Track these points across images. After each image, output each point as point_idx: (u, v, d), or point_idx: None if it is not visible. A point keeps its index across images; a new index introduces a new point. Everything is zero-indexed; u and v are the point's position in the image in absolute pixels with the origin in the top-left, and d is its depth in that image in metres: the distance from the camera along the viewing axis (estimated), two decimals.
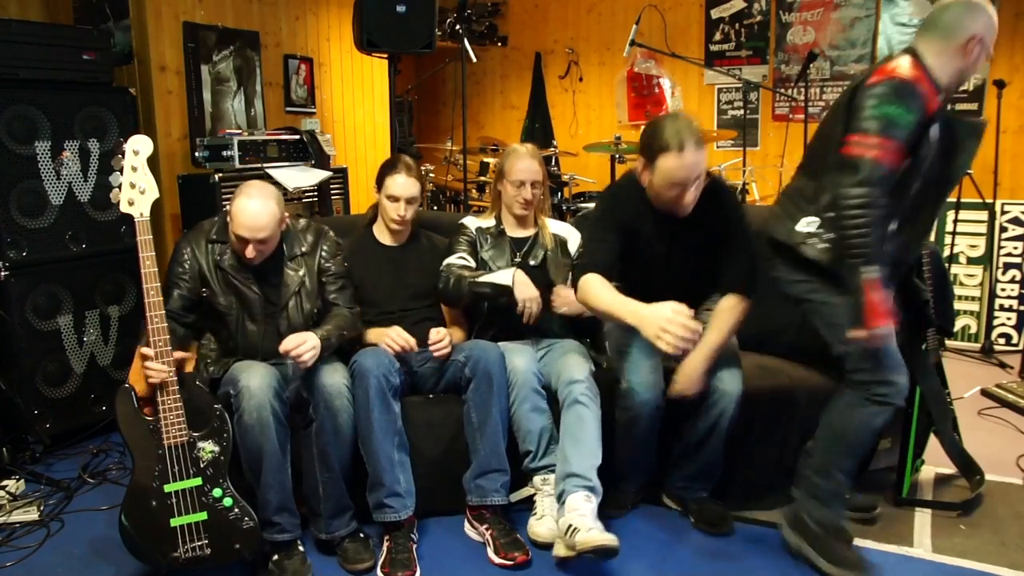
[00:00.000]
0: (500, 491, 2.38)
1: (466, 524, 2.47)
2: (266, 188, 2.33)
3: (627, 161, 4.88)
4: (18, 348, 2.95)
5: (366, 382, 2.29)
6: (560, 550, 2.23)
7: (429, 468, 2.44)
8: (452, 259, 2.64)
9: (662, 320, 2.03)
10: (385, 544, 2.29)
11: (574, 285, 2.40)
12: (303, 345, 2.20)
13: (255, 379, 2.15)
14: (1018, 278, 4.40)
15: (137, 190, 2.08)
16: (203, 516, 2.06)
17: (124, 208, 2.07)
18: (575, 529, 2.14)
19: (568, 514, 2.19)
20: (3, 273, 2.89)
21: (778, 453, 2.60)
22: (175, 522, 2.04)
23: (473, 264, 2.65)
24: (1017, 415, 3.36)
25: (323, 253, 2.47)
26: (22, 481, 2.79)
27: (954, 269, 4.44)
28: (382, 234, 2.72)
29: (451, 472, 2.47)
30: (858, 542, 2.37)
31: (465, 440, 2.45)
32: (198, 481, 2.06)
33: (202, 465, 2.07)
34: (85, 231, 3.14)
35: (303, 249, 2.44)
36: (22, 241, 2.95)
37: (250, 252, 2.27)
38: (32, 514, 2.57)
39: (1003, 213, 4.46)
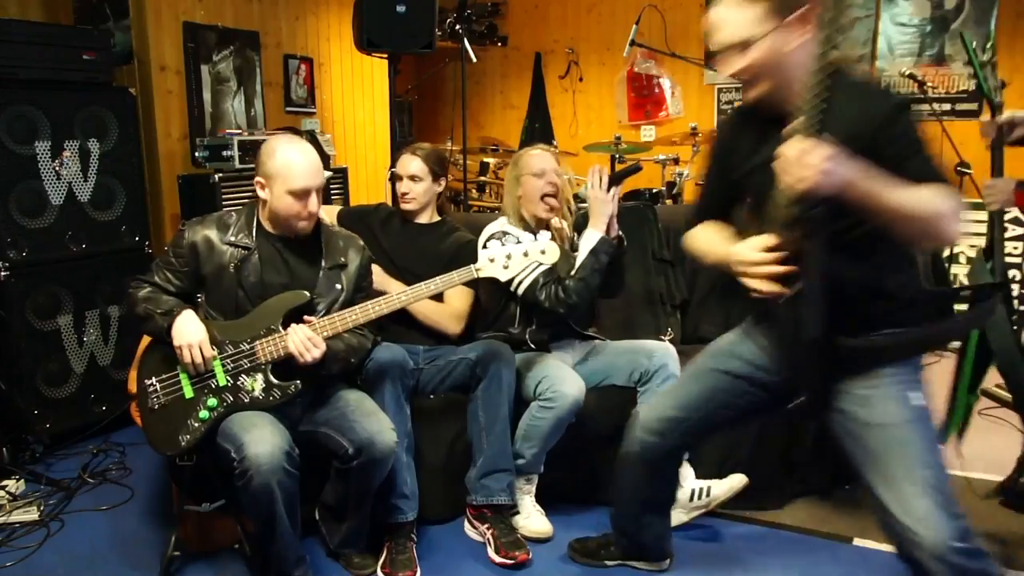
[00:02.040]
0: (506, 491, 2.38)
1: (466, 524, 2.47)
2: (293, 137, 2.22)
3: (626, 161, 4.88)
4: (18, 348, 2.95)
5: (382, 383, 2.29)
6: (682, 517, 2.41)
7: (428, 471, 2.43)
8: (536, 270, 2.40)
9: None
10: (385, 544, 2.29)
11: None
12: (312, 351, 2.03)
13: (263, 446, 1.90)
14: (1018, 278, 4.40)
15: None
16: (189, 394, 2.08)
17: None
18: (706, 488, 2.41)
19: (689, 477, 2.43)
20: (3, 273, 2.89)
21: (778, 453, 2.60)
22: (179, 367, 2.08)
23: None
24: (1015, 414, 3.36)
25: (362, 267, 2.27)
26: (22, 481, 2.79)
27: (954, 269, 4.43)
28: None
29: (450, 477, 2.47)
30: (858, 542, 2.38)
31: (460, 443, 2.46)
32: (222, 381, 2.07)
33: (237, 381, 2.06)
34: (85, 231, 3.14)
35: (341, 260, 2.24)
36: (22, 241, 2.94)
37: (313, 205, 2.11)
38: (32, 514, 2.57)
39: (1003, 213, 4.45)
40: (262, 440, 1.91)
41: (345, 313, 2.10)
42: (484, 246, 2.50)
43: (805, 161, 1.35)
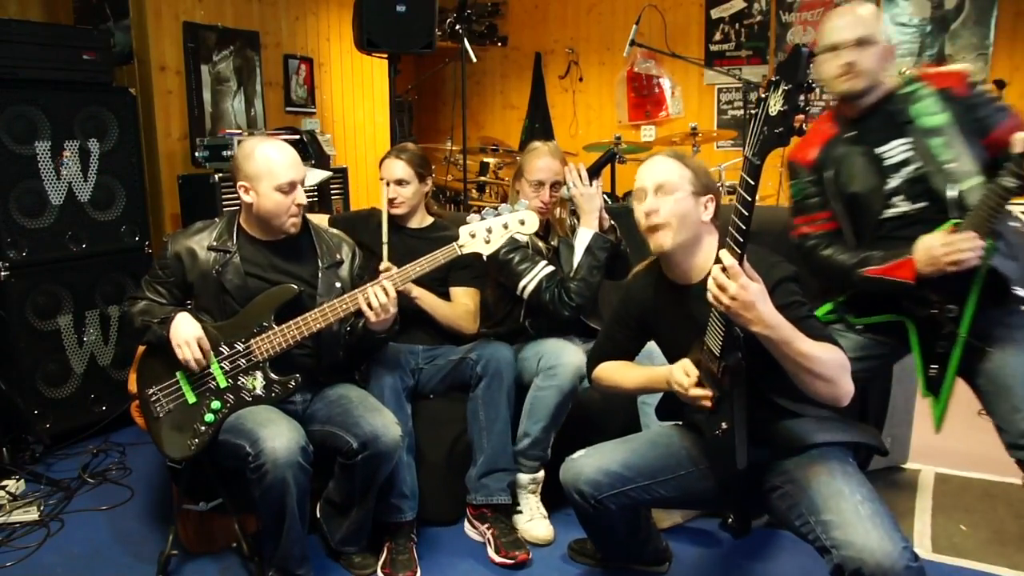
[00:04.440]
0: (506, 490, 2.38)
1: (466, 524, 2.47)
2: (264, 136, 2.22)
3: (627, 161, 4.88)
4: (18, 348, 2.95)
5: (382, 383, 2.30)
6: (676, 518, 2.46)
7: (428, 471, 2.43)
8: (539, 273, 2.43)
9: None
10: (385, 544, 2.29)
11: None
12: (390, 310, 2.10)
13: (280, 440, 1.91)
14: None
15: None
16: (192, 399, 2.09)
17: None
18: None
19: None
20: (3, 273, 2.89)
21: None
22: (179, 374, 2.10)
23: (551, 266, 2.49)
24: None
25: (357, 264, 2.33)
26: (22, 481, 2.79)
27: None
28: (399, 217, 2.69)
29: (450, 477, 2.47)
30: None
31: (460, 443, 2.45)
32: (222, 383, 2.08)
33: (237, 381, 2.09)
34: (85, 231, 3.14)
35: (338, 257, 2.29)
36: (22, 241, 2.95)
37: (301, 198, 2.14)
38: (32, 514, 2.57)
39: None
40: (279, 435, 1.93)
41: (411, 266, 2.15)
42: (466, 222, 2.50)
43: (742, 292, 1.49)
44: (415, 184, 2.62)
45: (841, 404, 1.60)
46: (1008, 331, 1.94)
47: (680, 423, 2.02)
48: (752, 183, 1.44)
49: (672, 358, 1.86)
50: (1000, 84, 4.20)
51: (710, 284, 1.54)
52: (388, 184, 2.63)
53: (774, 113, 1.36)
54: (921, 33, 4.90)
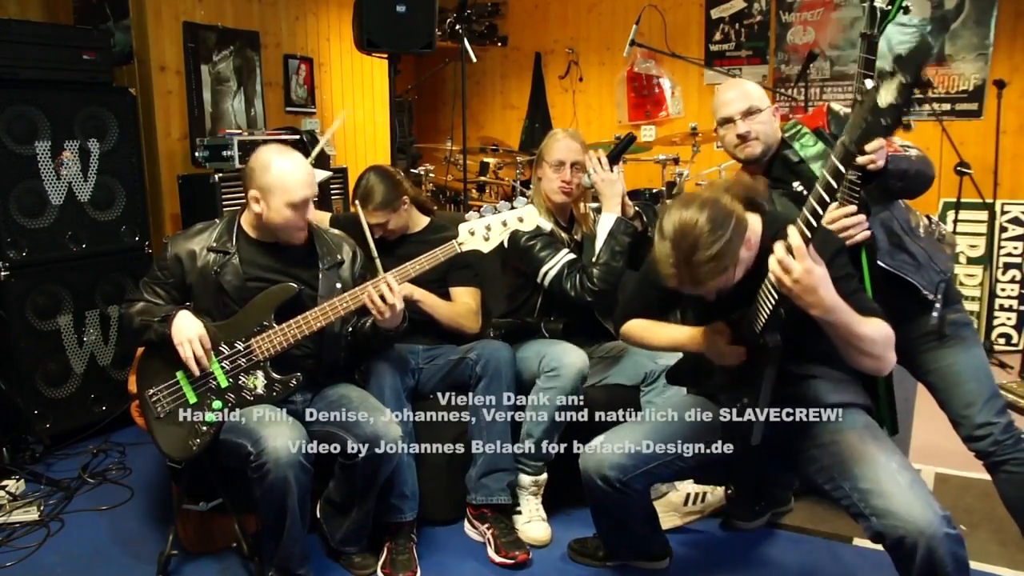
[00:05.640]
0: (506, 490, 2.38)
1: (466, 524, 2.47)
2: (282, 147, 2.18)
3: (627, 161, 4.87)
4: (18, 348, 2.95)
5: (382, 383, 2.29)
6: (676, 520, 2.44)
7: (428, 471, 2.43)
8: (561, 260, 2.44)
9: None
10: (385, 544, 2.29)
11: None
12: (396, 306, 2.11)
13: (281, 439, 1.92)
14: (1018, 278, 4.40)
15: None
16: (192, 399, 2.08)
17: None
18: (701, 493, 2.44)
19: (682, 485, 2.45)
20: (3, 273, 2.89)
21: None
22: (179, 374, 2.09)
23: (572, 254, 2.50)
24: (1017, 415, 3.36)
25: (359, 264, 2.32)
26: (22, 481, 2.79)
27: (954, 269, 4.43)
28: None
29: (450, 477, 2.46)
30: (858, 542, 2.37)
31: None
32: (223, 382, 2.08)
33: (238, 381, 2.08)
34: (85, 231, 3.14)
35: (339, 258, 2.28)
36: (22, 241, 2.95)
37: (311, 214, 2.15)
38: (32, 514, 2.57)
39: (1003, 213, 4.46)
40: (280, 434, 1.94)
41: (411, 264, 2.17)
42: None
43: (806, 276, 1.47)
44: (394, 216, 2.57)
45: (883, 374, 1.66)
46: (955, 329, 2.02)
47: (692, 392, 2.03)
48: (843, 170, 1.43)
49: (701, 323, 1.84)
50: (1000, 84, 4.19)
51: (772, 264, 1.51)
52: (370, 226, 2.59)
53: (884, 105, 1.33)
54: (921, 33, 4.90)
